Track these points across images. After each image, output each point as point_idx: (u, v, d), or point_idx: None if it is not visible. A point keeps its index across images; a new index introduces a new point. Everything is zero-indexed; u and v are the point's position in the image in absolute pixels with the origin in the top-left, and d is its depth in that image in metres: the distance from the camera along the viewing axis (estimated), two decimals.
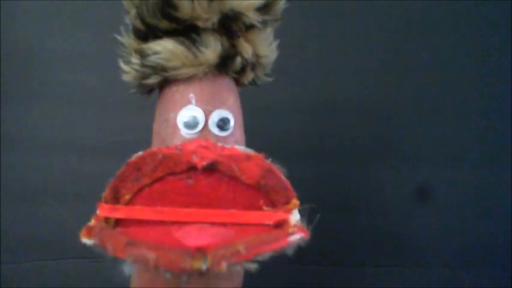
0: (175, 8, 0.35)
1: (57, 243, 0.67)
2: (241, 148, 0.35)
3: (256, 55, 0.40)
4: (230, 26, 0.37)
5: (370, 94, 0.72)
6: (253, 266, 0.30)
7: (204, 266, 0.28)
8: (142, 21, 0.37)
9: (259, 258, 0.30)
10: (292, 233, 0.33)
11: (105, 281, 0.67)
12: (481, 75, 0.73)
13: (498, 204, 0.72)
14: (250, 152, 0.34)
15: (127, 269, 0.30)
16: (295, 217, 0.34)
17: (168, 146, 0.34)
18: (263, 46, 0.40)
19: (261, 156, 0.34)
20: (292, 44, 0.70)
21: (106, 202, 0.34)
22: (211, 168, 0.33)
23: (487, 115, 0.73)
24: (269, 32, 0.41)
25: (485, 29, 0.73)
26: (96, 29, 0.69)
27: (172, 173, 0.34)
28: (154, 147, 0.35)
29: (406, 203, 0.71)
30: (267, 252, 0.30)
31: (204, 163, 0.33)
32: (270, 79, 0.44)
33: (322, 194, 0.70)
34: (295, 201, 0.35)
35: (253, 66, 0.40)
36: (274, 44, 0.42)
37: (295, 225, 0.34)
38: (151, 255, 0.28)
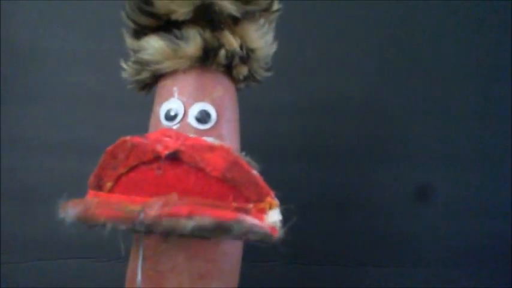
0: (150, 3, 0.37)
1: (57, 243, 0.67)
2: (208, 139, 0.34)
3: (247, 48, 0.39)
4: (212, 18, 0.37)
5: (370, 94, 0.72)
6: (190, 225, 0.28)
7: (139, 211, 0.28)
8: (130, 19, 0.39)
9: (199, 221, 0.28)
10: (247, 212, 0.31)
11: (105, 281, 0.67)
12: (481, 75, 0.73)
13: (498, 204, 0.72)
14: (215, 143, 0.33)
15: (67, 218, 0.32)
16: (271, 218, 0.32)
17: (138, 136, 0.34)
18: (254, 38, 0.39)
19: (227, 148, 0.32)
20: (293, 44, 0.70)
21: (91, 188, 0.35)
22: (177, 159, 0.33)
23: (487, 115, 0.72)
24: (262, 23, 0.40)
25: (485, 29, 0.72)
26: (96, 29, 0.69)
27: (144, 162, 0.34)
28: (126, 137, 0.35)
29: (406, 203, 0.71)
30: (206, 216, 0.28)
31: (167, 152, 0.32)
32: (269, 74, 0.43)
33: (321, 193, 0.70)
34: (271, 201, 0.32)
35: (244, 59, 0.39)
36: (270, 36, 0.40)
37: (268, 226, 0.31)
38: (91, 203, 0.31)
